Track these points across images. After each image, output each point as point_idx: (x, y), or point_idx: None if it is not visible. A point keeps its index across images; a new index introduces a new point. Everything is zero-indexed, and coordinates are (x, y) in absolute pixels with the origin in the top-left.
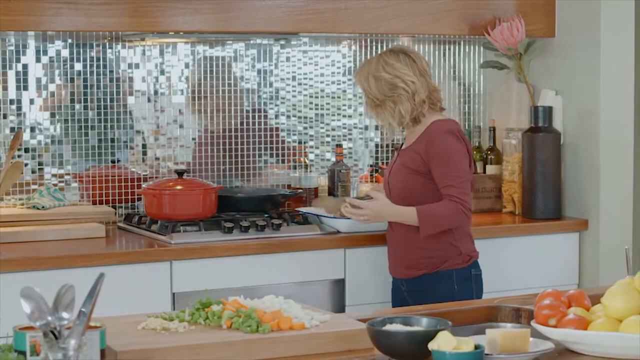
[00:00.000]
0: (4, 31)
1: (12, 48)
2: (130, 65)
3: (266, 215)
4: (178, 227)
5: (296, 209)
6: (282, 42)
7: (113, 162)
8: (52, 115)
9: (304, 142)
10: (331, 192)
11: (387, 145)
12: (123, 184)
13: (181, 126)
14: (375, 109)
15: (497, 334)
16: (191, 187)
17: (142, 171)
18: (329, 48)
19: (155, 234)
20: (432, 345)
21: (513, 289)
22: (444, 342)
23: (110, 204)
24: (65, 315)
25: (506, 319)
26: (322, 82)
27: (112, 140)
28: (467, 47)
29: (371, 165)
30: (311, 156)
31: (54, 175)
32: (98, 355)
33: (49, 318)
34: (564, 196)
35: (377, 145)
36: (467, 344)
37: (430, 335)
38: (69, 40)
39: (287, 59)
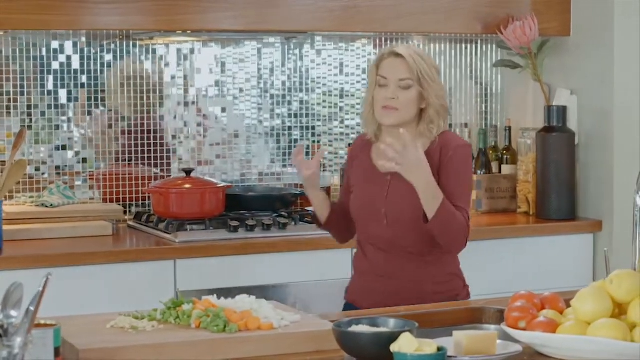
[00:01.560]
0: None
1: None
2: (153, 64)
3: (275, 214)
4: (185, 225)
5: (306, 208)
6: (294, 40)
7: (128, 160)
8: (74, 113)
9: (318, 141)
10: None
11: None
12: (134, 182)
13: (199, 125)
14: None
15: (463, 336)
16: (198, 186)
17: (157, 170)
18: (342, 46)
19: (162, 233)
20: (394, 347)
21: (527, 290)
22: (405, 343)
23: (121, 202)
24: (13, 313)
25: (491, 321)
26: (335, 82)
27: (130, 139)
28: (483, 46)
29: None
30: (325, 155)
31: (65, 174)
32: (52, 353)
33: None
34: (578, 197)
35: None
36: (429, 345)
37: (395, 336)
38: (83, 39)
39: (300, 57)
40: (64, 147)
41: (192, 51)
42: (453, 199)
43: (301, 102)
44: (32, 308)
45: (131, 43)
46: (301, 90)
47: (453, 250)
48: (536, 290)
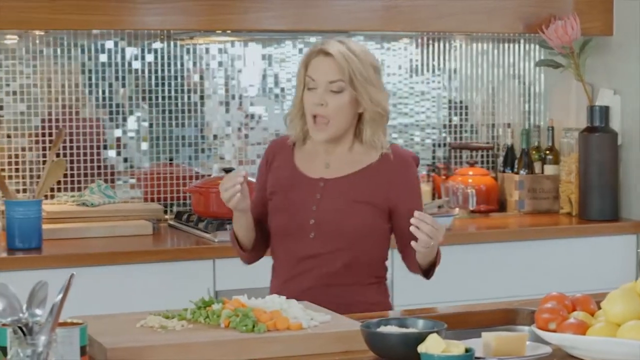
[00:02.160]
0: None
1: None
2: (194, 63)
3: None
4: (224, 225)
5: None
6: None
7: (170, 159)
8: (116, 112)
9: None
10: None
11: (445, 144)
12: (175, 181)
13: (240, 124)
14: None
15: (492, 338)
16: None
17: (199, 169)
18: (383, 46)
19: (202, 232)
20: (421, 348)
21: (568, 291)
22: (432, 344)
23: (162, 202)
24: (38, 312)
25: (524, 322)
26: None
27: (171, 138)
28: (526, 45)
29: (429, 165)
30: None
31: (107, 174)
32: (78, 352)
33: (21, 315)
34: (620, 197)
35: (434, 145)
36: (457, 346)
37: (423, 337)
38: (124, 39)
39: None
40: (105, 147)
41: (233, 51)
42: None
43: None
44: (56, 307)
45: (172, 43)
46: None
47: (428, 279)
48: (578, 291)
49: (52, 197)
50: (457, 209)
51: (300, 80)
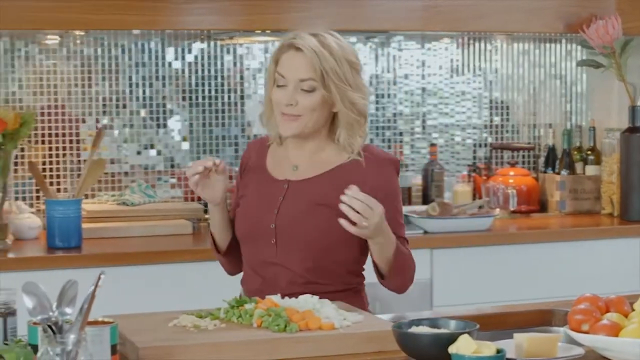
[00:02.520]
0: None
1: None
2: (234, 63)
3: None
4: None
5: None
6: (374, 40)
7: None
8: (157, 112)
9: (400, 141)
10: (425, 191)
11: (486, 145)
12: None
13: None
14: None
15: (524, 339)
16: None
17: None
18: (424, 45)
19: None
20: (452, 349)
21: (609, 292)
22: (463, 345)
23: (203, 201)
24: (67, 310)
25: (559, 323)
26: (417, 81)
27: (212, 138)
28: (567, 45)
29: (469, 165)
30: (408, 154)
31: (147, 173)
32: (108, 350)
33: (50, 313)
34: None
35: (475, 145)
36: (488, 347)
37: (454, 338)
38: (165, 39)
39: (381, 57)
40: (146, 147)
41: (273, 51)
42: (395, 229)
43: (382, 101)
44: (86, 305)
45: (212, 43)
46: (382, 89)
47: (399, 292)
48: (619, 293)
49: (93, 196)
50: (497, 210)
51: (270, 76)
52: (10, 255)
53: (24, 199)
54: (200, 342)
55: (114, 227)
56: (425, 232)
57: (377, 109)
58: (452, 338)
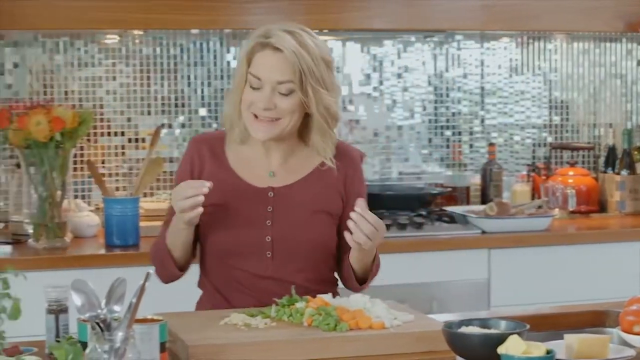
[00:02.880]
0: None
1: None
2: None
3: (413, 213)
4: None
5: (443, 207)
6: (434, 39)
7: None
8: (215, 111)
9: (458, 140)
10: (483, 191)
11: (546, 144)
12: None
13: (357, 122)
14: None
15: (574, 339)
16: None
17: None
18: (483, 45)
19: None
20: (501, 349)
21: None
22: (512, 345)
23: None
24: (116, 308)
25: (613, 324)
26: (476, 81)
27: None
28: (628, 44)
29: (529, 165)
30: (467, 154)
31: None
32: (157, 348)
33: (99, 311)
34: None
35: (534, 144)
36: (538, 348)
37: (504, 338)
38: (223, 38)
39: (440, 56)
40: None
41: (332, 50)
42: None
43: (441, 100)
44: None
45: None
46: (441, 89)
47: (357, 291)
48: None
49: (152, 194)
50: (556, 210)
51: (242, 77)
52: (69, 253)
53: (83, 197)
54: (250, 341)
55: None
56: (483, 232)
57: (435, 108)
58: (501, 338)
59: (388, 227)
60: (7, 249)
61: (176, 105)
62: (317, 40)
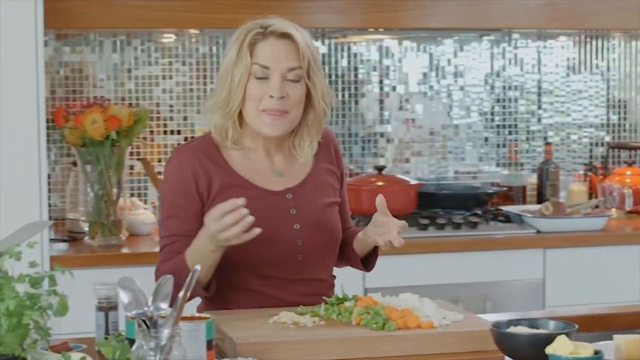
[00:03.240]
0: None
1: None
2: (348, 62)
3: (468, 213)
4: None
5: (499, 207)
6: (490, 37)
7: None
8: None
9: (515, 139)
10: (540, 190)
11: (603, 144)
12: None
13: (414, 120)
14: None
15: (622, 340)
16: (390, 183)
17: (352, 167)
18: (540, 44)
19: None
20: (549, 349)
21: None
22: (560, 346)
23: None
24: (162, 305)
25: None
26: (533, 80)
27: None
28: None
29: (585, 164)
30: (524, 153)
31: None
32: (204, 346)
33: (145, 308)
34: None
35: (591, 144)
36: (586, 348)
37: (552, 338)
38: None
39: (497, 54)
40: None
41: (386, 49)
42: (349, 214)
43: (498, 99)
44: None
45: (326, 41)
46: (498, 88)
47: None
48: None
49: None
50: (613, 210)
51: (245, 68)
52: (124, 250)
53: (139, 195)
54: (297, 339)
55: None
56: (538, 232)
57: (492, 107)
58: (549, 338)
59: (443, 226)
60: (63, 246)
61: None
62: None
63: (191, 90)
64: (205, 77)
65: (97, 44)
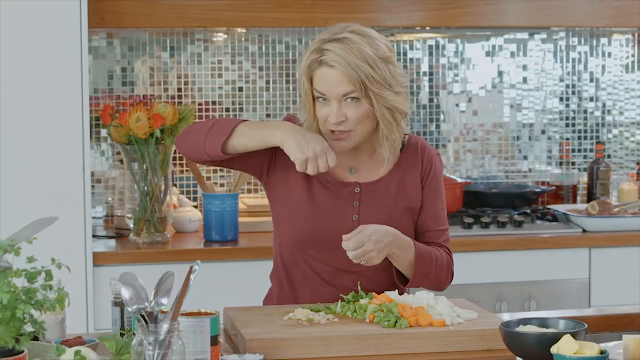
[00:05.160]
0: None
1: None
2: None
3: (516, 212)
4: None
5: (547, 206)
6: (543, 36)
7: None
8: None
9: (567, 138)
10: (590, 190)
11: None
12: None
13: (467, 119)
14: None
15: (630, 340)
16: None
17: None
18: (593, 42)
19: None
20: (553, 349)
21: None
22: (564, 345)
23: None
24: (163, 301)
25: None
26: (586, 79)
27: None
28: None
29: (639, 163)
30: (575, 152)
31: None
32: (208, 341)
33: (146, 304)
34: None
35: None
36: (591, 348)
37: (559, 338)
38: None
39: (549, 53)
40: None
41: (437, 47)
42: (439, 221)
43: (551, 98)
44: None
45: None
46: (550, 86)
47: (437, 290)
48: None
49: (256, 191)
50: None
51: (308, 93)
52: (168, 247)
53: (188, 192)
54: (307, 336)
55: (267, 221)
56: (584, 231)
57: (544, 105)
58: (556, 338)
59: (487, 225)
60: (111, 242)
61: (281, 103)
62: (371, 40)
63: (240, 88)
64: (255, 74)
65: (147, 43)
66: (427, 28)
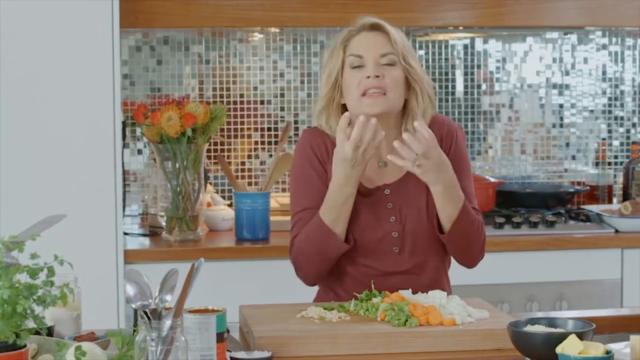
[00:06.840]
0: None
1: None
2: (426, 59)
3: (549, 212)
4: None
5: (581, 206)
6: (581, 35)
7: None
8: None
9: (603, 138)
10: (625, 190)
11: None
12: None
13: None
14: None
15: (637, 340)
16: None
17: None
18: (633, 41)
19: None
20: (558, 349)
21: None
22: (569, 345)
23: None
24: (167, 297)
25: None
26: (628, 80)
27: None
28: None
29: None
30: (610, 153)
31: None
32: (214, 338)
33: (150, 300)
34: None
35: None
36: (596, 348)
37: (565, 338)
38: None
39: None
40: None
41: (471, 46)
42: (467, 200)
43: (588, 98)
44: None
45: (409, 38)
46: (590, 85)
47: (469, 265)
48: None
49: (288, 189)
50: None
51: (338, 63)
52: (199, 245)
53: (222, 191)
54: (316, 334)
55: None
56: (616, 232)
57: (582, 105)
58: (562, 338)
59: (519, 225)
60: (145, 240)
61: (316, 102)
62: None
63: (275, 88)
64: (289, 74)
65: (182, 42)
66: (460, 28)
